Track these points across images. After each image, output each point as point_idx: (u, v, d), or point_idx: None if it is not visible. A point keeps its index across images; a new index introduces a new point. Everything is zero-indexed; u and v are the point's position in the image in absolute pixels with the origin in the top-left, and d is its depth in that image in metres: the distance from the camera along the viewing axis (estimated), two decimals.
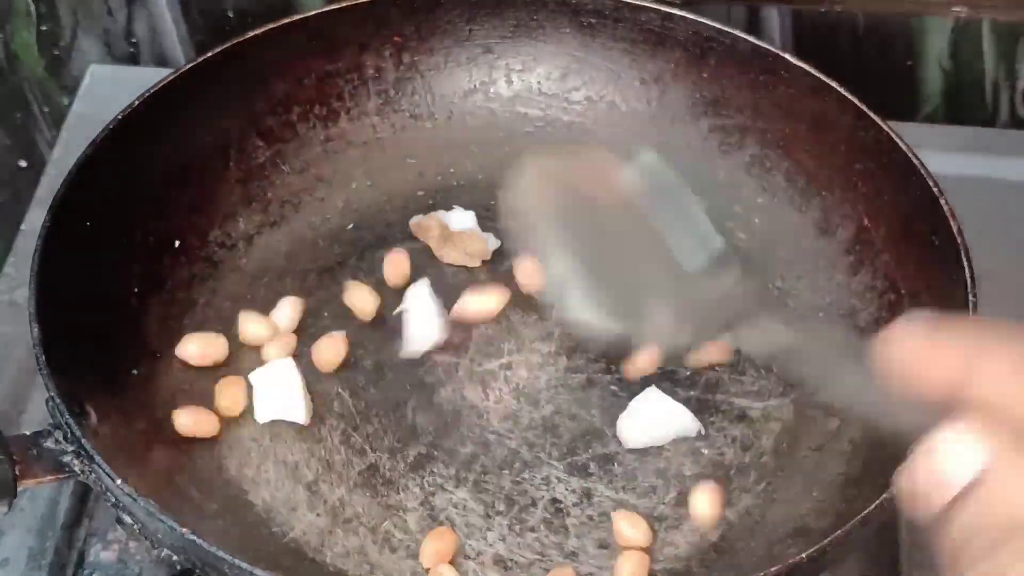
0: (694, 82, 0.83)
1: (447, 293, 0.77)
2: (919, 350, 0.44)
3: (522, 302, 0.78)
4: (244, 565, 0.61)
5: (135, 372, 0.73)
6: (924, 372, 0.44)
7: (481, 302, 0.77)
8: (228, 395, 0.73)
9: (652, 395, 0.74)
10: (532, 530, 0.70)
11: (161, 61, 0.99)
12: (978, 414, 0.42)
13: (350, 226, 0.82)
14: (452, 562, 0.68)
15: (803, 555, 0.62)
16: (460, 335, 0.77)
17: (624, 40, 0.84)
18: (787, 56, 0.80)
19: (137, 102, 0.77)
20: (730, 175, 0.83)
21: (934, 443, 0.42)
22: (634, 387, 0.75)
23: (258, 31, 0.81)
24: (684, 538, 0.70)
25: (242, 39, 0.81)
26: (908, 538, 0.74)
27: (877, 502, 0.64)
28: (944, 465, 0.41)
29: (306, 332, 0.77)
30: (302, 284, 0.79)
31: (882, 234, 0.77)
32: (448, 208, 0.82)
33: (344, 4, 0.83)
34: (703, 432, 0.73)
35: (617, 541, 0.69)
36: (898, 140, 0.76)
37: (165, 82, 0.78)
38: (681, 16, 0.82)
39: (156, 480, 0.68)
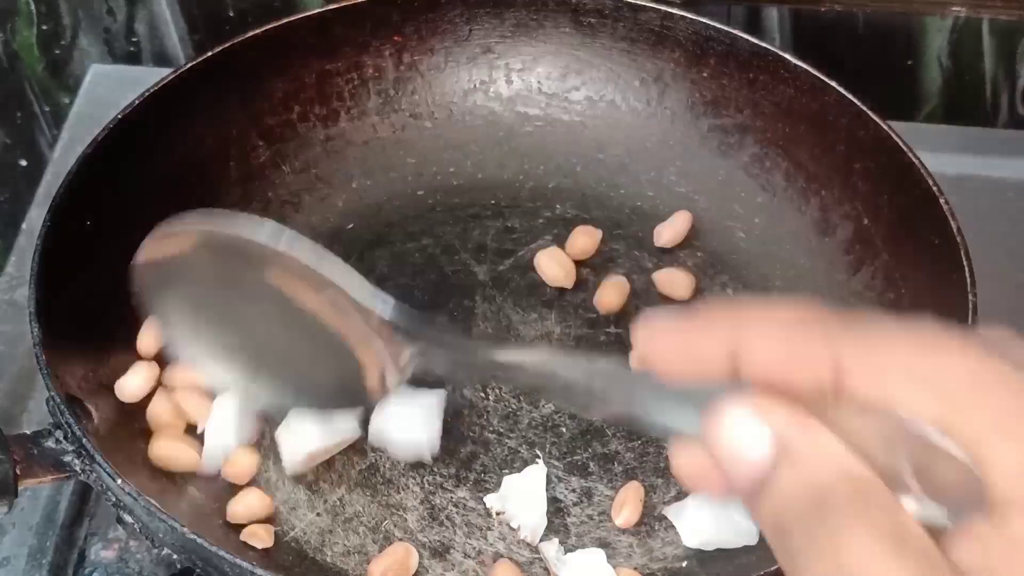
0: (694, 81, 0.83)
1: None
2: (680, 335, 0.42)
3: (521, 302, 0.79)
4: (244, 564, 0.61)
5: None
6: (687, 357, 0.41)
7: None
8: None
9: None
10: None
11: (161, 61, 0.99)
12: (755, 389, 0.40)
13: (350, 226, 0.82)
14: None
15: None
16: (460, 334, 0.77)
17: (624, 40, 0.84)
18: (787, 56, 0.80)
19: (137, 102, 0.77)
20: (729, 175, 0.83)
21: (719, 423, 0.40)
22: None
23: (258, 31, 0.81)
24: None
25: (242, 39, 0.81)
26: None
27: None
28: (733, 445, 0.39)
29: None
30: None
31: (882, 234, 0.77)
32: None
33: (344, 4, 0.83)
34: None
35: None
36: (898, 140, 0.76)
37: (165, 82, 0.78)
38: (681, 16, 0.82)
39: (156, 479, 0.69)
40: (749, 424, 0.39)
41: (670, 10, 0.82)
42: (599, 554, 0.68)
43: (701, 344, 0.41)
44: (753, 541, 0.68)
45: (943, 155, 0.83)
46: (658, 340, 0.42)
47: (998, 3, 0.89)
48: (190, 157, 0.80)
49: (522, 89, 0.86)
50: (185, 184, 0.79)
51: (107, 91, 0.94)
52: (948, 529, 0.38)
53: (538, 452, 0.71)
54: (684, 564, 0.69)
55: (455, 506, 0.71)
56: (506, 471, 0.72)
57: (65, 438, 0.66)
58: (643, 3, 0.83)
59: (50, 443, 0.66)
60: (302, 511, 0.71)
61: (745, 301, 0.43)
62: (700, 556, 0.69)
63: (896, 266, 0.76)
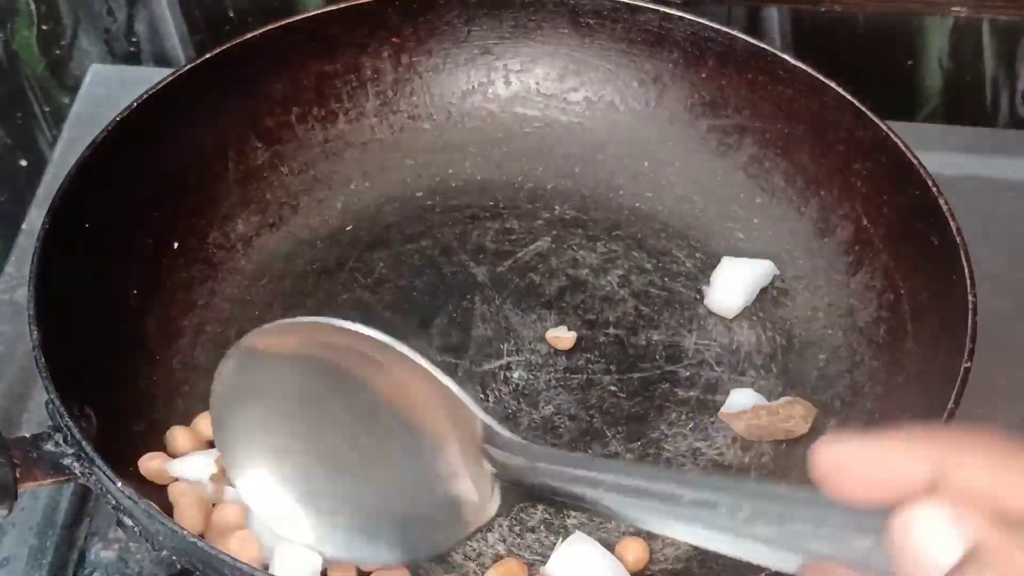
0: (692, 82, 0.83)
1: None
2: (876, 456, 0.42)
3: (520, 303, 0.79)
4: (245, 567, 0.61)
5: (135, 373, 0.74)
6: (880, 478, 0.42)
7: None
8: None
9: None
10: (532, 530, 0.70)
11: (161, 61, 0.99)
12: (953, 499, 0.40)
13: (349, 227, 0.82)
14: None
15: None
16: (459, 335, 0.77)
17: (623, 40, 0.84)
18: (785, 56, 0.80)
19: (137, 102, 0.77)
20: (728, 175, 0.83)
21: (914, 520, 0.40)
22: (632, 386, 0.75)
23: (258, 31, 0.81)
24: None
25: (242, 39, 0.81)
26: None
27: None
28: (927, 543, 0.40)
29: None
30: (301, 286, 0.79)
31: (881, 234, 0.77)
32: None
33: (343, 5, 0.83)
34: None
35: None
36: (897, 140, 0.76)
37: (165, 82, 0.78)
38: (679, 16, 0.82)
39: (156, 482, 0.69)
40: (945, 524, 0.40)
41: (668, 11, 0.82)
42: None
43: (900, 465, 0.42)
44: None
45: (943, 155, 0.83)
46: (847, 460, 0.43)
47: (998, 3, 0.89)
48: (189, 158, 0.80)
49: (520, 90, 0.86)
50: (183, 185, 0.79)
51: (107, 91, 0.94)
52: None
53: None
54: (684, 565, 0.69)
55: None
56: None
57: (65, 441, 0.66)
58: (641, 4, 0.82)
59: (50, 446, 0.66)
60: None
61: (935, 428, 0.44)
62: (700, 557, 0.69)
63: (896, 267, 0.76)
